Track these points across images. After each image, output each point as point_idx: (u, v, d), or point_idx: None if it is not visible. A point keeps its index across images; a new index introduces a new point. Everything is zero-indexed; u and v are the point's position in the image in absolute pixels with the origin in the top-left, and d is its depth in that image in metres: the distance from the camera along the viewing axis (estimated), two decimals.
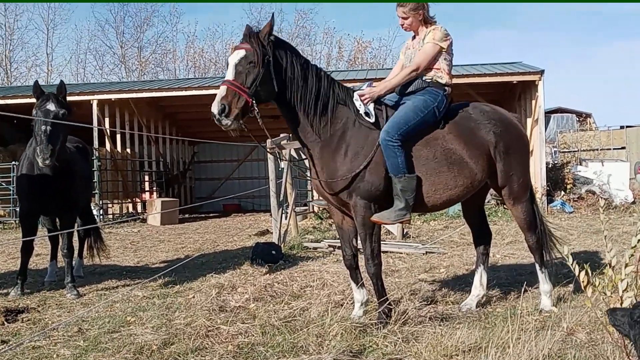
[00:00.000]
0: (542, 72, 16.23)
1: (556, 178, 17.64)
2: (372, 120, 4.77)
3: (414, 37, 5.20)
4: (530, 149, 16.09)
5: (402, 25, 5.06)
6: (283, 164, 11.10)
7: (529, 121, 16.79)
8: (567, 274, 5.94)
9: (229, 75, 4.58)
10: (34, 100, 6.26)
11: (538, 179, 15.92)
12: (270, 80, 4.62)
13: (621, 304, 3.29)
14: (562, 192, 16.82)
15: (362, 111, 4.77)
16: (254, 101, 4.53)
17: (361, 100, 4.78)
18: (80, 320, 5.44)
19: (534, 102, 16.58)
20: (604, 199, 15.95)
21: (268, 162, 10.48)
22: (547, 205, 15.85)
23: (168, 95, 18.56)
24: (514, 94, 17.95)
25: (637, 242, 3.41)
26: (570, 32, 65.26)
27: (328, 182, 4.83)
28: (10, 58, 36.71)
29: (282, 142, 10.46)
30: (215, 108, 4.44)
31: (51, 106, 6.07)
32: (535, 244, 5.46)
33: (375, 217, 4.82)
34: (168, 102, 20.38)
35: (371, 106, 4.79)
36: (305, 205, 17.03)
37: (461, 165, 4.99)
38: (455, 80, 17.07)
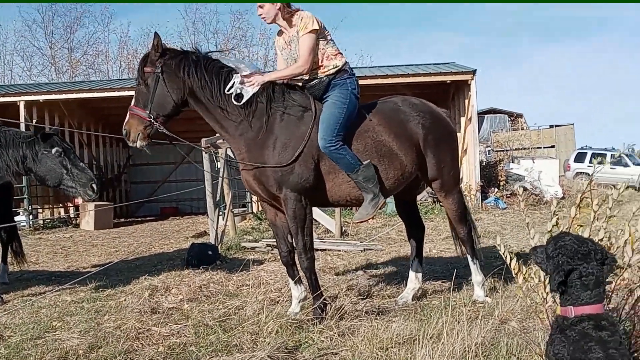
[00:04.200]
0: (474, 71, 16.62)
1: (490, 175, 18.13)
2: (240, 103, 4.69)
3: (280, 33, 5.08)
4: (465, 147, 16.48)
5: (260, 15, 4.95)
6: (219, 164, 10.93)
7: (463, 120, 17.18)
8: (500, 265, 6.06)
9: (133, 101, 4.84)
10: None
11: (472, 176, 16.29)
12: (165, 95, 4.74)
13: (545, 289, 3.36)
14: (496, 189, 17.29)
15: (233, 91, 4.69)
16: (152, 120, 4.73)
17: (246, 81, 4.71)
18: (2, 327, 5.15)
19: (467, 101, 16.96)
20: (535, 194, 16.49)
21: (203, 162, 10.26)
22: (482, 201, 16.24)
23: (100, 96, 17.95)
24: (448, 93, 18.30)
25: (552, 226, 3.50)
26: (502, 37, 67.19)
27: (258, 175, 4.77)
28: None
29: (217, 142, 10.27)
30: (123, 132, 4.82)
31: (64, 144, 6.42)
32: (466, 236, 5.54)
33: (356, 219, 5.05)
34: (100, 103, 19.73)
35: (251, 90, 4.70)
36: (244, 206, 16.86)
37: (391, 157, 5.00)
38: (390, 80, 17.26)
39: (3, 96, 17.31)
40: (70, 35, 37.06)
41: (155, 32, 4.76)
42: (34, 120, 17.26)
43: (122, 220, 19.40)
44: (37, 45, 37.33)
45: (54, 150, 6.25)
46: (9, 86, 25.01)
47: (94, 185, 6.30)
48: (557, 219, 3.84)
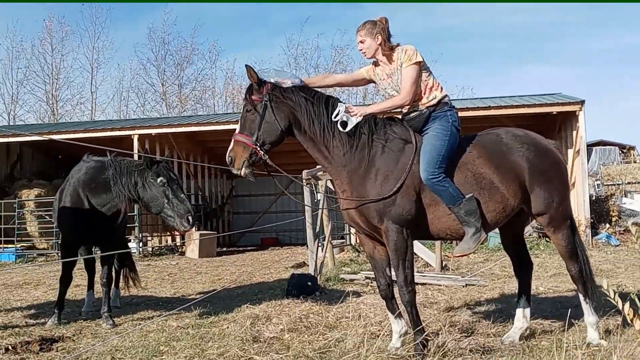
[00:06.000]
0: (582, 102, 15.93)
1: (600, 210, 17.17)
2: (346, 130, 4.70)
3: (376, 64, 5.05)
4: (573, 180, 15.73)
5: (361, 50, 4.96)
6: (319, 196, 11.04)
7: (571, 152, 16.46)
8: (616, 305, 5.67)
9: (237, 128, 4.86)
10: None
11: (581, 211, 15.50)
12: (272, 122, 4.75)
13: None
14: (607, 225, 16.33)
15: (339, 119, 4.71)
16: (258, 147, 4.71)
17: (349, 112, 4.73)
18: (114, 349, 5.40)
19: (575, 133, 16.26)
20: None
21: (304, 194, 10.42)
22: (592, 237, 15.39)
23: (206, 130, 18.82)
24: (554, 125, 17.63)
25: None
26: (611, 67, 64.13)
27: (358, 206, 4.75)
28: (56, 97, 37.83)
29: (318, 174, 10.40)
30: (227, 159, 4.81)
31: (170, 173, 6.71)
32: (578, 273, 5.23)
33: (457, 253, 4.92)
34: (206, 136, 20.65)
35: (354, 119, 4.71)
36: (342, 238, 16.90)
37: (492, 190, 4.85)
38: (494, 112, 16.86)
39: (119, 130, 18.49)
40: (181, 72, 39.22)
41: (246, 65, 4.82)
42: (146, 152, 18.24)
43: (225, 249, 20.01)
44: (150, 82, 39.73)
45: (159, 180, 6.54)
46: (124, 120, 26.68)
47: (190, 218, 6.48)
48: None
